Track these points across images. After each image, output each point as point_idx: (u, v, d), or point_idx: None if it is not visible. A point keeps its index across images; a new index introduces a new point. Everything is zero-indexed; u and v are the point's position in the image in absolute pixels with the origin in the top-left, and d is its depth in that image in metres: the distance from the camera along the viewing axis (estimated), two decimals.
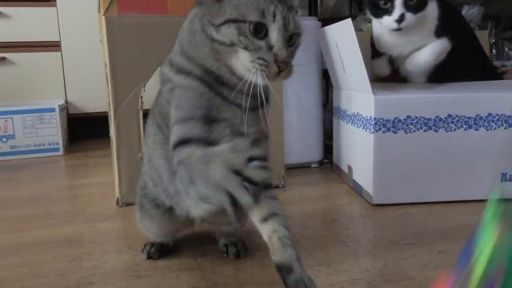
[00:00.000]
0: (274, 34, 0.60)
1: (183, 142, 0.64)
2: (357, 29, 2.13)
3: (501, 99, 1.14)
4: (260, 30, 0.60)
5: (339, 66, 1.38)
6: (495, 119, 1.14)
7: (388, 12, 1.19)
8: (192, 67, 0.67)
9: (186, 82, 0.66)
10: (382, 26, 1.24)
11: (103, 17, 1.13)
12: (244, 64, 0.61)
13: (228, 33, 0.60)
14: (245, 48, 0.60)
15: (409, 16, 1.18)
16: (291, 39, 0.62)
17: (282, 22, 0.60)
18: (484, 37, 1.68)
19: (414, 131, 1.14)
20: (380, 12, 1.22)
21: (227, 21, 0.60)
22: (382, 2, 1.19)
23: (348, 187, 1.36)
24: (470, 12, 1.83)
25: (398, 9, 1.17)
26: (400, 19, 1.18)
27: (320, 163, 1.63)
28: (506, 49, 2.06)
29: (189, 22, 0.68)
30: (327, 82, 1.71)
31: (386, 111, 1.13)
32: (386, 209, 1.14)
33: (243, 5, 0.60)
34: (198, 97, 0.65)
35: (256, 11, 0.60)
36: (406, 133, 1.14)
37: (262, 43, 0.60)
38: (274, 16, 0.60)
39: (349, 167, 1.35)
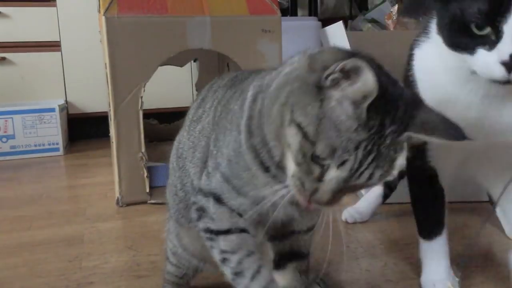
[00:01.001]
0: (332, 174, 0.47)
1: (217, 198, 0.58)
2: (357, 29, 2.13)
3: None
4: (321, 160, 0.47)
5: None
6: None
7: (488, 43, 0.57)
8: (258, 132, 0.54)
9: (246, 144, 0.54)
10: (467, 68, 0.62)
11: (103, 17, 1.13)
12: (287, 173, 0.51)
13: (291, 136, 0.48)
14: (297, 164, 0.48)
15: None
16: (352, 189, 0.49)
17: (349, 174, 0.46)
18: None
19: None
20: (469, 42, 0.59)
21: (297, 124, 0.47)
22: (475, 23, 0.57)
23: None
24: None
25: (509, 41, 0.56)
26: None
27: None
28: None
29: (288, 77, 0.50)
30: None
31: None
32: (386, 208, 1.14)
33: (330, 130, 0.45)
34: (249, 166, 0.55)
35: (329, 145, 0.46)
36: None
37: (316, 168, 0.47)
38: (344, 162, 0.46)
39: None
